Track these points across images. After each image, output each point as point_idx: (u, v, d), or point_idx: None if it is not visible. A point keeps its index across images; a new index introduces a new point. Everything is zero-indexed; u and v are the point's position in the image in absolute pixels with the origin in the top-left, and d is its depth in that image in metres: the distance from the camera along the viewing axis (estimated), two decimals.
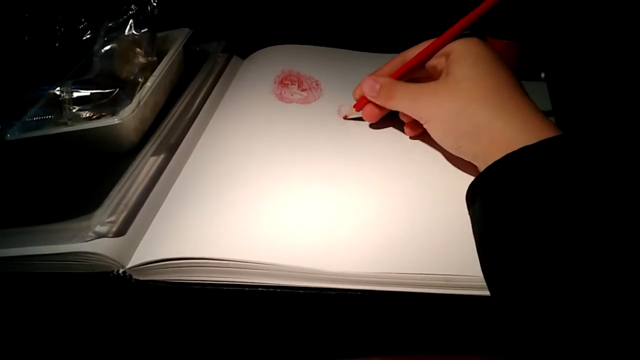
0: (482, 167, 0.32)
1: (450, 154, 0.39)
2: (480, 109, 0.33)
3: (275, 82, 0.51)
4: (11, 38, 0.51)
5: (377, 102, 0.41)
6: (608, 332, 0.22)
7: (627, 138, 0.39)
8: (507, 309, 0.27)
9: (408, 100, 0.38)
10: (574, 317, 0.23)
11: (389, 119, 0.43)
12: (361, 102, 0.43)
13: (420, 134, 0.41)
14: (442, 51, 0.38)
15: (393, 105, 0.39)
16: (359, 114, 0.44)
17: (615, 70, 0.47)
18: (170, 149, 0.45)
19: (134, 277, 0.36)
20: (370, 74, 0.42)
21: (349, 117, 0.45)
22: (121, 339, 0.35)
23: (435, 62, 0.38)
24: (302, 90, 0.49)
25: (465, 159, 0.36)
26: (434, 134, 0.37)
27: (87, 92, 0.44)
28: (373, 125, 0.44)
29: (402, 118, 0.41)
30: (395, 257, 0.32)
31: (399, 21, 0.59)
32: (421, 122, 0.37)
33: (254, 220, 0.37)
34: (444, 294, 0.31)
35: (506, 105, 0.33)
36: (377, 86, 0.39)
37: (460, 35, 0.37)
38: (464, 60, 0.35)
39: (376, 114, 0.42)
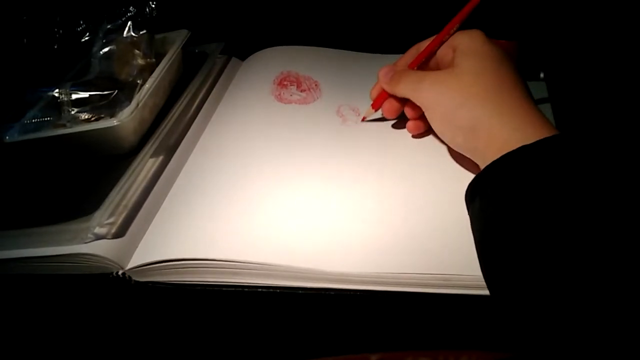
0: (481, 165, 0.32)
1: (450, 153, 0.39)
2: (479, 105, 0.33)
3: (274, 83, 0.51)
4: (10, 40, 0.51)
5: (388, 89, 0.41)
6: (606, 329, 0.22)
7: (624, 138, 0.39)
8: (506, 307, 0.27)
9: (413, 85, 0.38)
10: (573, 315, 0.23)
11: (390, 120, 0.43)
12: (379, 100, 0.43)
13: (423, 132, 0.41)
14: (449, 43, 0.38)
15: (399, 90, 0.39)
16: (376, 115, 0.44)
17: (615, 70, 0.47)
18: (169, 150, 0.45)
19: (134, 278, 0.36)
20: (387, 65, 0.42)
21: (367, 119, 0.45)
22: (121, 340, 0.35)
23: (443, 54, 0.39)
24: (301, 91, 0.50)
25: (464, 154, 0.36)
26: (433, 124, 0.38)
27: (85, 94, 0.45)
28: (372, 126, 0.44)
29: (407, 113, 0.41)
30: (394, 257, 0.32)
31: (397, 22, 0.59)
32: (423, 109, 0.38)
33: (253, 221, 0.37)
34: (443, 293, 0.31)
35: (506, 104, 0.33)
36: (391, 73, 0.40)
37: (465, 28, 0.38)
38: (469, 56, 0.35)
39: (395, 109, 0.42)
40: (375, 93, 0.43)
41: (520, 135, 0.30)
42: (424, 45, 0.41)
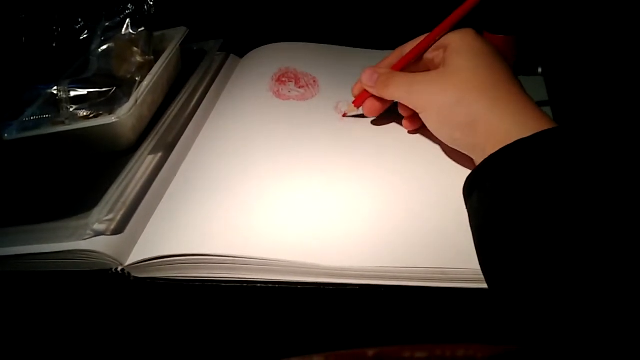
0: (478, 160, 0.32)
1: (447, 148, 0.39)
2: (476, 100, 0.33)
3: (272, 80, 0.51)
4: (9, 38, 0.51)
5: (374, 92, 0.40)
6: (603, 322, 0.22)
7: (622, 131, 0.39)
8: (504, 300, 0.27)
9: (405, 88, 0.38)
10: (570, 308, 0.23)
11: (387, 115, 0.43)
12: (360, 98, 0.43)
13: (419, 128, 0.41)
14: (439, 44, 0.38)
15: (389, 93, 0.39)
16: (358, 111, 0.44)
17: (612, 64, 0.47)
18: (167, 147, 0.45)
19: (133, 274, 0.36)
20: (368, 67, 0.42)
21: (348, 115, 0.45)
22: (120, 336, 0.35)
23: (433, 55, 0.39)
24: (299, 87, 0.50)
25: (462, 151, 0.36)
26: (429, 125, 0.37)
27: (84, 91, 0.45)
28: (370, 121, 0.44)
29: (401, 111, 0.41)
30: (392, 251, 0.33)
31: (394, 18, 0.59)
32: (417, 111, 0.37)
33: (252, 216, 0.37)
34: (441, 287, 0.32)
35: (502, 98, 0.33)
36: (376, 76, 0.40)
37: (457, 27, 0.37)
38: (461, 53, 0.35)
39: (377, 108, 0.42)
40: (357, 91, 0.43)
41: (519, 129, 0.30)
42: (409, 47, 0.40)
